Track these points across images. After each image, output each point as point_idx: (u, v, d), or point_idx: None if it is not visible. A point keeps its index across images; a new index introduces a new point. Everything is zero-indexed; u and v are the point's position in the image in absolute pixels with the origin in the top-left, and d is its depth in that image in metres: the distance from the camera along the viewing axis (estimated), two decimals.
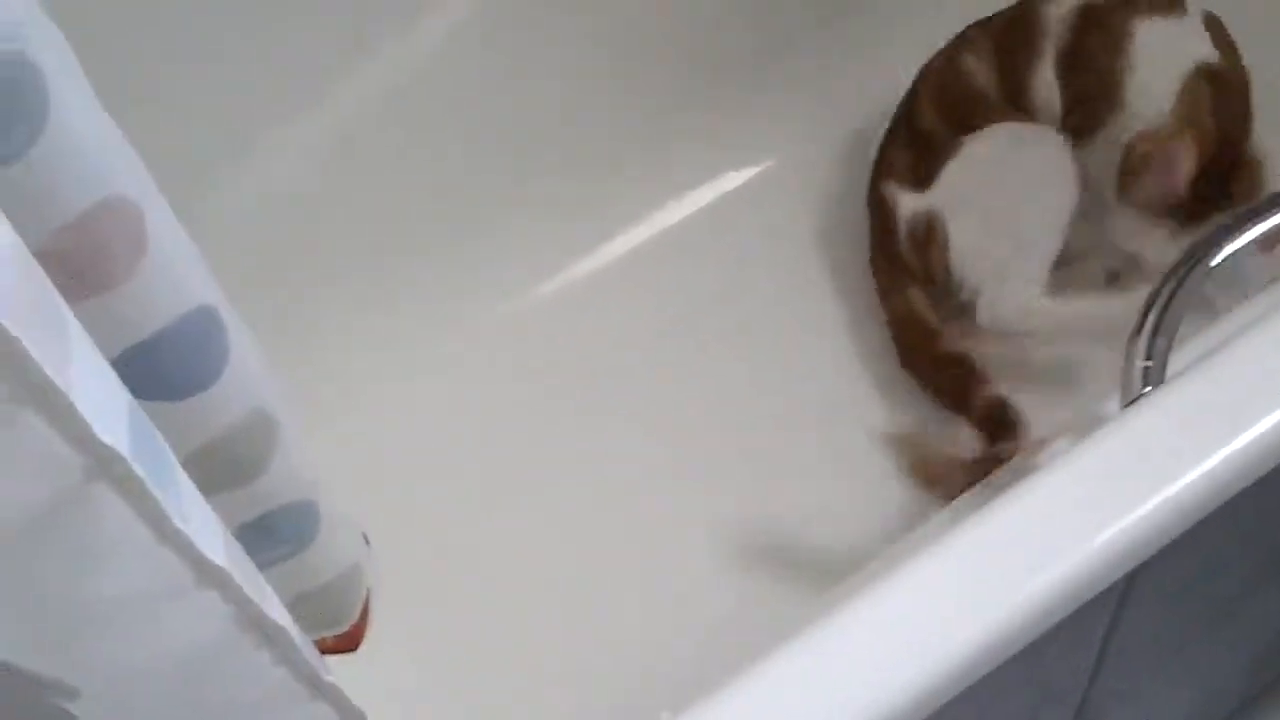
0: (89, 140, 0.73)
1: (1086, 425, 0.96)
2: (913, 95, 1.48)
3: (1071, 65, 1.40)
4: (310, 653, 0.60)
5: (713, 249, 1.53)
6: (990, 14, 1.46)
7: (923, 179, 1.44)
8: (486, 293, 1.48)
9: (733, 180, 1.58)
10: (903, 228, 1.44)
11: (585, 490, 1.37)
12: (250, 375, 0.90)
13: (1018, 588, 0.82)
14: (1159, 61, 1.37)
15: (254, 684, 0.57)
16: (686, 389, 1.44)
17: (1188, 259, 0.97)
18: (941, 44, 1.46)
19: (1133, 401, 0.92)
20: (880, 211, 1.47)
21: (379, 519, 1.24)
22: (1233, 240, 0.96)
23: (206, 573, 0.52)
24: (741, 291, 1.50)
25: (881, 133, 1.50)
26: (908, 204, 1.44)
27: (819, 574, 1.29)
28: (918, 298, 1.44)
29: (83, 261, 0.74)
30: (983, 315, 1.39)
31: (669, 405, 1.43)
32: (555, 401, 1.42)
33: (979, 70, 1.44)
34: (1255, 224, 0.96)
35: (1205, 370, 0.89)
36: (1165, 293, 0.96)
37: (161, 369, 0.82)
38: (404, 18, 1.37)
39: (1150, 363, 0.94)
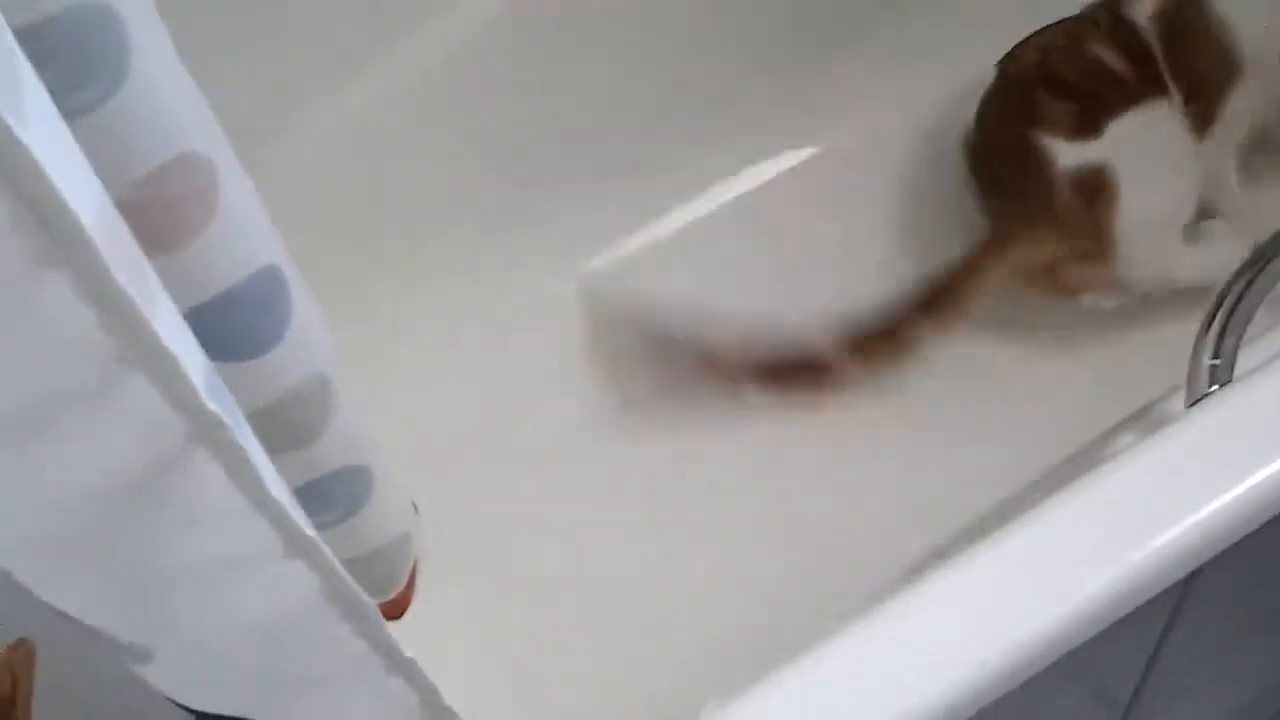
0: (168, 93, 0.72)
1: (1152, 423, 0.95)
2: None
3: (1177, 65, 1.40)
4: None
5: (757, 232, 1.52)
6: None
7: (1083, 129, 1.39)
8: (534, 268, 1.47)
9: (774, 167, 1.56)
10: (1062, 177, 1.38)
11: (632, 463, 1.36)
12: (311, 338, 0.89)
13: (1077, 586, 0.82)
14: (1251, 24, 1.38)
15: (333, 655, 0.57)
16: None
17: (1257, 259, 0.96)
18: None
19: (1199, 400, 0.92)
20: (1024, 159, 1.40)
21: (426, 489, 1.24)
22: None
23: (296, 542, 0.51)
24: (788, 274, 1.49)
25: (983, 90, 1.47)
26: (1071, 153, 1.38)
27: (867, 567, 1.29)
28: (1052, 244, 1.40)
29: (156, 217, 0.73)
30: (1129, 272, 1.39)
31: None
32: (600, 378, 1.41)
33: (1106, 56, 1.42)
34: None
35: (1274, 370, 0.88)
36: (1234, 291, 0.95)
37: (227, 330, 0.81)
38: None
39: (1218, 361, 0.93)
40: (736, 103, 1.53)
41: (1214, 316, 0.94)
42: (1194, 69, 1.40)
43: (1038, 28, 1.44)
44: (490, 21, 1.38)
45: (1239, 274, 0.95)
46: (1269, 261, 0.95)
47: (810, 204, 1.53)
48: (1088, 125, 1.38)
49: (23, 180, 0.37)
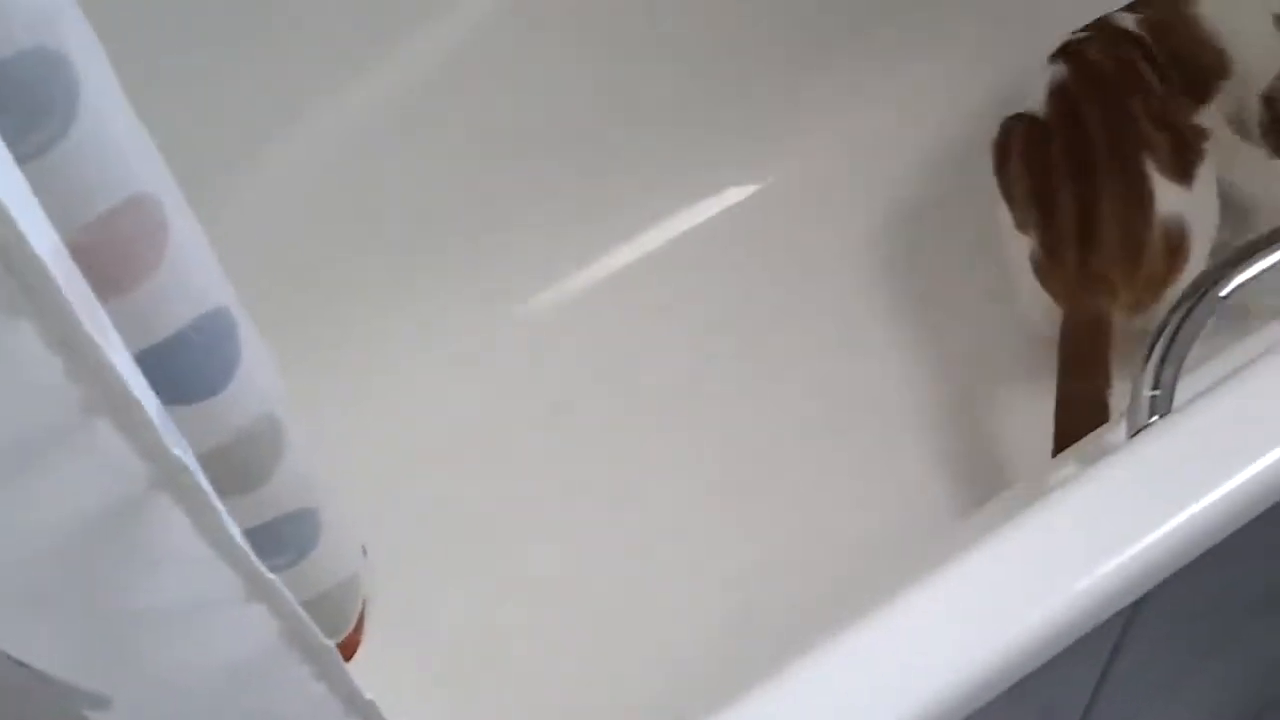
0: (116, 137, 0.72)
1: (1095, 453, 0.96)
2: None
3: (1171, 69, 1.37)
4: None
5: (722, 260, 1.53)
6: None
7: (1182, 173, 1.28)
8: (497, 296, 1.48)
9: (718, 204, 1.57)
10: (1160, 222, 1.26)
11: (591, 501, 1.37)
12: (260, 379, 0.88)
13: (1023, 615, 0.83)
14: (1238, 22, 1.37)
15: (293, 698, 0.56)
16: (699, 395, 1.44)
17: (1196, 289, 0.97)
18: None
19: (1140, 430, 0.93)
20: (1129, 182, 1.28)
21: (382, 524, 1.24)
22: (1241, 271, 0.97)
23: (257, 585, 0.51)
24: (754, 302, 1.50)
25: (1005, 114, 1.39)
26: (1170, 200, 1.27)
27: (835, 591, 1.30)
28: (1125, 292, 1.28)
29: (106, 260, 0.73)
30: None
31: (681, 411, 1.43)
32: (563, 408, 1.42)
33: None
34: (1264, 256, 0.97)
35: (1212, 400, 0.90)
36: (1173, 322, 0.96)
37: (176, 372, 0.81)
38: (417, 22, 1.36)
39: (1158, 392, 0.94)
40: (682, 140, 1.54)
41: (1153, 347, 0.96)
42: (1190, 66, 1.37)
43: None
44: (453, 57, 1.39)
45: (1178, 305, 0.96)
46: (1206, 292, 0.97)
47: (755, 241, 1.54)
48: (1182, 167, 1.29)
49: None
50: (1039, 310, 1.34)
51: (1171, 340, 0.96)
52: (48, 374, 0.41)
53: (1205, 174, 1.30)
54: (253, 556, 0.50)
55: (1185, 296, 0.97)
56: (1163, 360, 0.95)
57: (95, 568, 0.47)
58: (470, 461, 1.37)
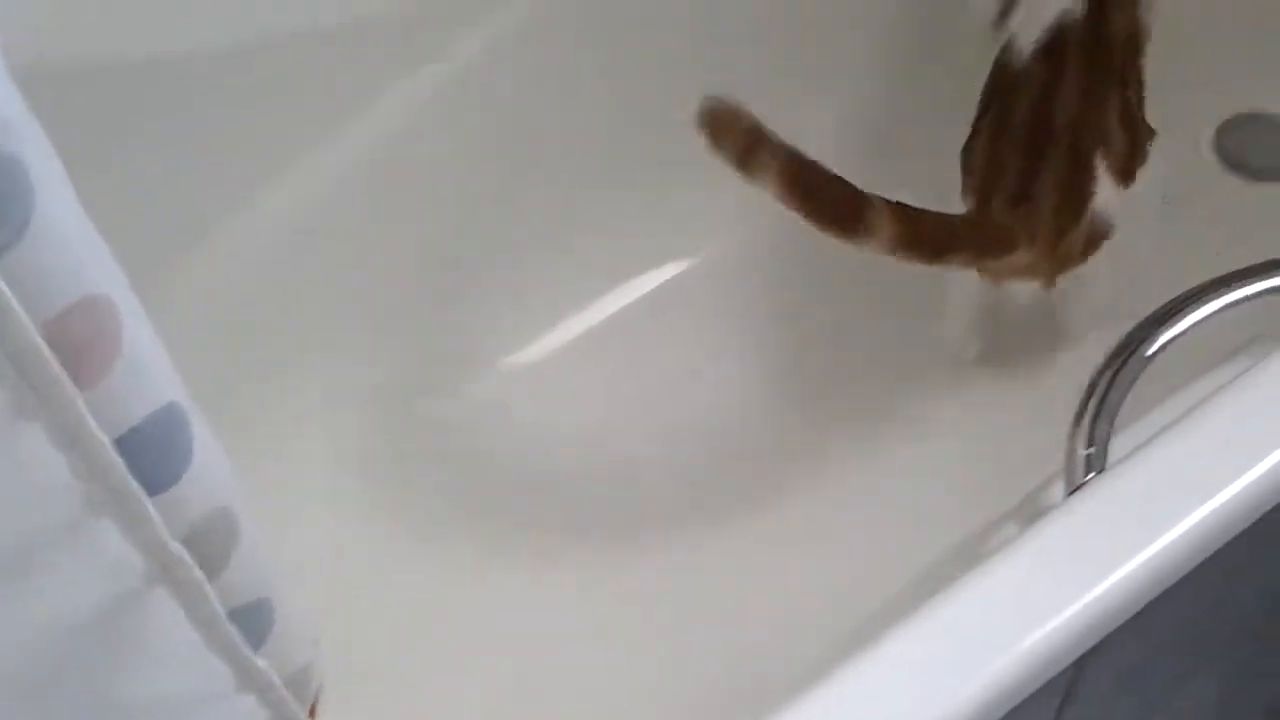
0: (70, 238, 0.72)
1: (1034, 512, 0.98)
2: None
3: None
4: None
5: (660, 334, 1.56)
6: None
7: (1126, 175, 1.30)
8: (453, 371, 1.50)
9: (657, 278, 1.60)
10: (1088, 215, 1.28)
11: (561, 574, 1.38)
12: (213, 472, 0.88)
13: (966, 678, 0.84)
14: None
15: None
16: (671, 459, 1.46)
17: (1123, 348, 1.00)
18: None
19: (1076, 489, 0.95)
20: (1077, 165, 1.28)
21: (336, 614, 1.23)
22: (1167, 329, 1.00)
23: (249, 676, 0.51)
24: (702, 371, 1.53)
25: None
26: (1106, 195, 1.29)
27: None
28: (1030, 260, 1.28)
29: (63, 360, 0.73)
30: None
31: (654, 477, 1.45)
32: (513, 497, 1.43)
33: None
34: (1188, 313, 1.00)
35: (1146, 456, 0.92)
36: (1104, 380, 0.99)
37: (133, 468, 0.81)
38: (373, 96, 1.39)
39: (1092, 449, 0.97)
40: (618, 216, 1.57)
41: (1085, 405, 0.99)
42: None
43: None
44: (405, 127, 1.43)
45: (1107, 363, 1.00)
46: (1134, 350, 1.00)
47: (691, 314, 1.57)
48: (1127, 170, 1.30)
49: (4, 332, 0.38)
50: (962, 327, 1.41)
51: (1103, 398, 0.99)
52: (54, 473, 0.41)
53: (1144, 174, 1.32)
54: (243, 647, 0.50)
55: (1114, 355, 1.00)
56: (1095, 418, 0.98)
57: (94, 662, 0.47)
58: (419, 555, 1.37)
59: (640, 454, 1.46)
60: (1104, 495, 0.92)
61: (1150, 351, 1.00)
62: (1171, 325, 1.00)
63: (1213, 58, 1.63)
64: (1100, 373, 0.99)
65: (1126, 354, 0.99)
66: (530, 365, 1.52)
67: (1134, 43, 1.35)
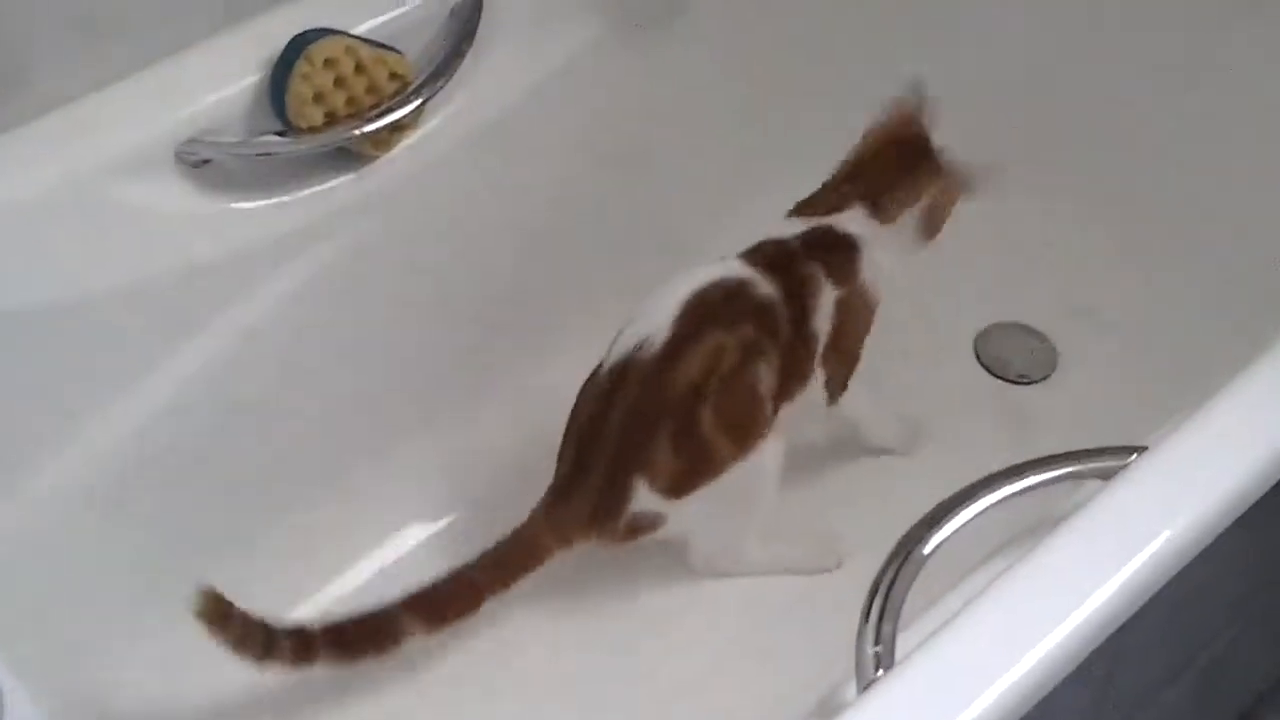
0: None
1: (829, 711, 1.02)
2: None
3: None
4: None
5: None
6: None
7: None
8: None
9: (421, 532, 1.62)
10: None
11: None
12: None
13: None
14: None
15: None
16: None
17: (901, 550, 1.06)
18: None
19: (868, 686, 0.99)
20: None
21: None
22: (939, 530, 1.06)
23: None
24: None
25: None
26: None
27: None
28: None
29: None
30: None
31: None
32: None
33: None
34: (960, 512, 1.06)
35: (932, 650, 0.97)
36: (885, 581, 1.04)
37: None
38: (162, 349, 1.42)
39: (879, 648, 1.01)
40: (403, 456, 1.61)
41: (870, 606, 1.04)
42: None
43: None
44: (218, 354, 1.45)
45: (887, 565, 1.05)
46: (910, 552, 1.06)
47: None
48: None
49: None
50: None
51: (886, 598, 1.04)
52: None
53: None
54: None
55: (892, 557, 1.06)
56: (880, 617, 1.03)
57: None
58: None
59: None
60: (895, 692, 0.96)
61: (927, 551, 1.05)
62: (943, 526, 1.06)
63: (973, 270, 1.74)
64: (881, 574, 1.04)
65: (904, 555, 1.05)
66: None
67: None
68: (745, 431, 1.43)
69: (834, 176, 1.52)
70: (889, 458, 1.64)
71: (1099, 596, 1.00)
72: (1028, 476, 1.11)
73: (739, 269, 1.44)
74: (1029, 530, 1.09)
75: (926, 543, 1.06)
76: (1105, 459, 1.11)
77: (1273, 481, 1.10)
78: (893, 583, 1.04)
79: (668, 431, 1.41)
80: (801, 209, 1.51)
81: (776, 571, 1.54)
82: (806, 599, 1.52)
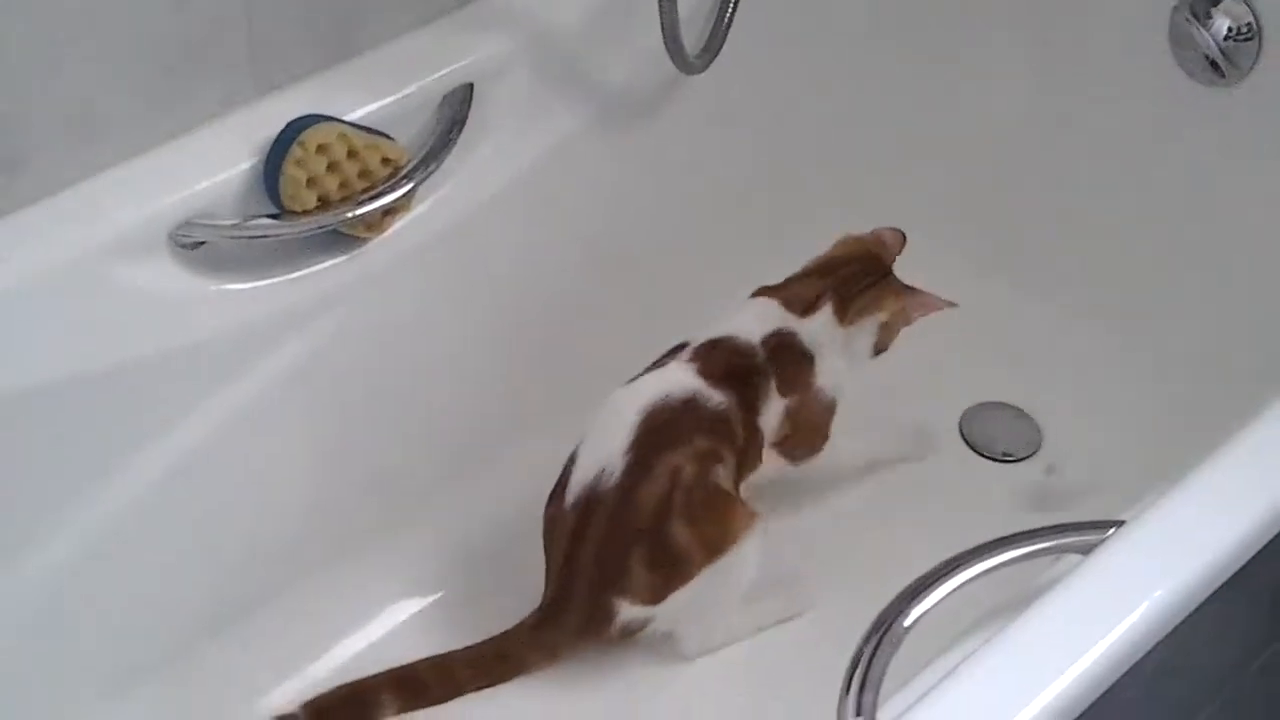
0: None
1: None
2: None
3: None
4: None
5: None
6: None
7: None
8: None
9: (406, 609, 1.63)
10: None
11: None
12: None
13: None
14: None
15: None
16: None
17: (882, 622, 1.07)
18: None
19: None
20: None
21: None
22: (919, 603, 1.07)
23: None
24: None
25: None
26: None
27: None
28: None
29: None
30: None
31: None
32: None
33: None
34: (940, 585, 1.08)
35: None
36: (866, 653, 1.05)
37: None
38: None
39: (861, 718, 1.02)
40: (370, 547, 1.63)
41: (851, 676, 1.05)
42: None
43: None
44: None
45: (868, 636, 1.06)
46: (890, 624, 1.07)
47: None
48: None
49: None
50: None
51: (867, 668, 1.05)
52: None
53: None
54: None
55: (874, 629, 1.07)
56: (861, 687, 1.04)
57: None
58: None
59: None
60: None
61: (907, 623, 1.06)
62: (923, 599, 1.07)
63: (957, 351, 1.77)
64: (862, 645, 1.06)
65: (885, 627, 1.06)
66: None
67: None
68: (717, 530, 1.47)
69: (805, 268, 1.58)
70: (874, 527, 1.67)
71: (1076, 669, 1.01)
72: (1008, 550, 1.12)
73: (685, 379, 1.48)
74: (1010, 603, 1.10)
75: (907, 615, 1.07)
76: (1084, 533, 1.13)
77: (1250, 554, 1.12)
78: (874, 654, 1.05)
79: (641, 555, 1.45)
80: (768, 292, 1.57)
81: (761, 629, 1.57)
82: (790, 668, 1.53)
